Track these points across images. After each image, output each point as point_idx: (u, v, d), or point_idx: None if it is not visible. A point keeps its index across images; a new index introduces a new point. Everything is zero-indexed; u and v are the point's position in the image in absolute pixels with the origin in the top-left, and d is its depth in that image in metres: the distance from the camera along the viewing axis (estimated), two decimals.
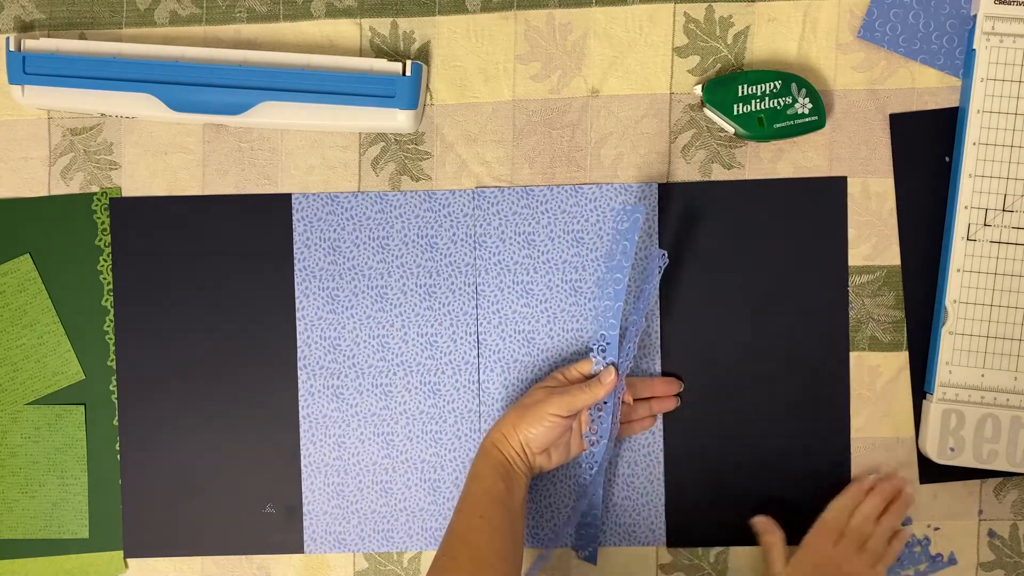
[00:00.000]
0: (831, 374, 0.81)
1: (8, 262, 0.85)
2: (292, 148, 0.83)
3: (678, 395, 0.81)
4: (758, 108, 0.79)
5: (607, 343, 0.77)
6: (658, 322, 0.82)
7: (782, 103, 0.79)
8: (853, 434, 0.82)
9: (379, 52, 0.83)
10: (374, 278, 0.83)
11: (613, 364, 0.77)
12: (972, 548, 0.82)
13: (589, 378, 0.77)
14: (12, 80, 0.80)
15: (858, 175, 0.81)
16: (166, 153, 0.84)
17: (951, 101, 0.81)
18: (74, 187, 0.84)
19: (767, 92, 0.79)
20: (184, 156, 0.84)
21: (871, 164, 0.81)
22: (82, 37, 0.84)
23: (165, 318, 0.84)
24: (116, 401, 0.84)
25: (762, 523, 0.80)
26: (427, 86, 0.83)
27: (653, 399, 0.80)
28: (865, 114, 0.81)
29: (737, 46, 0.81)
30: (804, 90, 0.79)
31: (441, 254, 0.83)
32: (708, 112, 0.80)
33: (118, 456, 0.84)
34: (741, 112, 0.79)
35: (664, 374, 0.82)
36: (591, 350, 0.78)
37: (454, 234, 0.83)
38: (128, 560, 0.85)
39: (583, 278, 0.82)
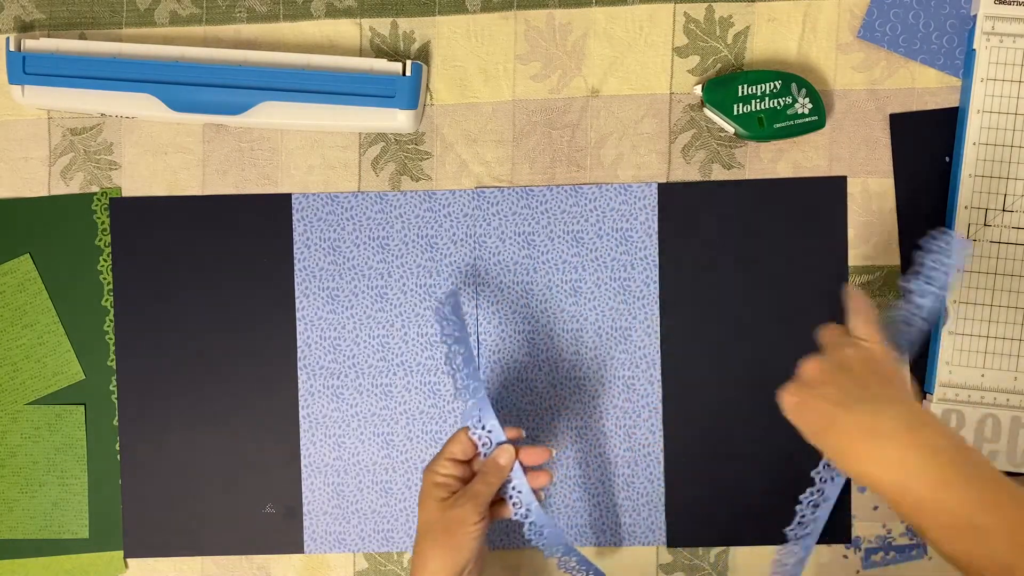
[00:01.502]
0: None
1: (8, 262, 0.85)
2: (292, 148, 0.83)
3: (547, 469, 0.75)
4: (758, 108, 0.79)
5: (479, 409, 0.71)
6: (657, 322, 0.82)
7: (782, 103, 0.79)
8: None
9: (379, 52, 0.83)
10: (374, 278, 0.83)
11: (502, 443, 0.70)
12: None
13: (466, 461, 0.71)
14: (12, 80, 0.80)
15: (858, 175, 0.81)
16: (166, 153, 0.84)
17: (951, 101, 0.81)
18: (74, 187, 0.84)
19: (767, 92, 0.79)
20: (184, 156, 0.84)
21: (871, 164, 0.81)
22: (82, 37, 0.84)
23: (165, 318, 0.84)
24: (116, 401, 0.84)
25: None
26: (427, 86, 0.83)
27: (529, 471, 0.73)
28: (865, 114, 0.81)
29: (737, 46, 0.81)
30: (804, 90, 0.79)
31: (441, 254, 0.83)
32: (708, 112, 0.80)
33: (118, 456, 0.84)
34: (741, 112, 0.79)
35: (663, 374, 0.82)
36: (469, 427, 0.71)
37: (454, 234, 0.83)
38: (128, 560, 0.85)
39: (583, 278, 0.82)
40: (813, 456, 0.82)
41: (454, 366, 0.72)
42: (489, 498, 0.69)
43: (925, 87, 0.81)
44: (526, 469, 0.72)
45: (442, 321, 0.74)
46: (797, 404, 0.65)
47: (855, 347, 0.65)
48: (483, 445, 0.71)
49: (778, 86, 0.79)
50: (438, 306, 0.75)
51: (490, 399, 0.72)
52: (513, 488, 0.71)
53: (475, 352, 0.75)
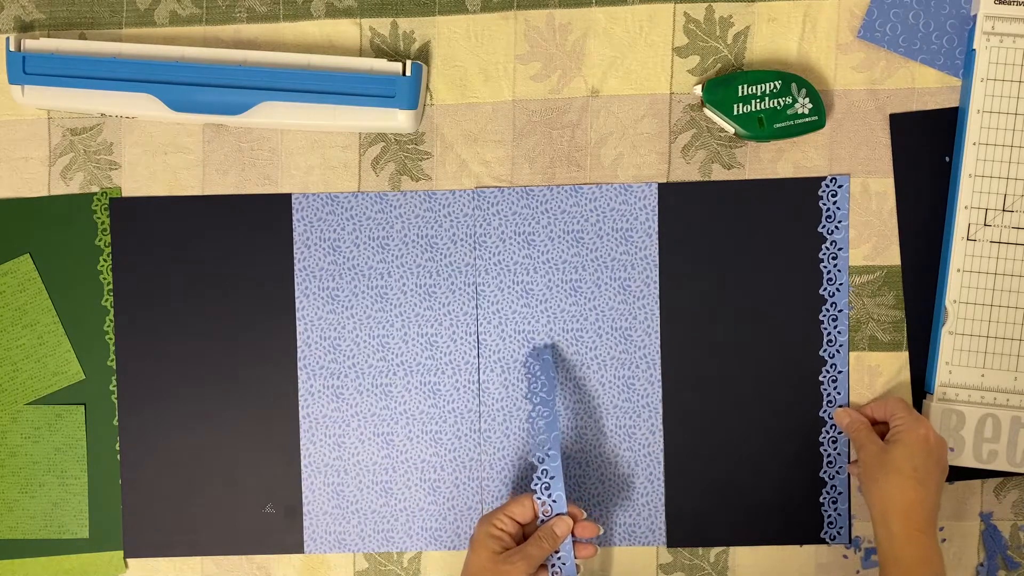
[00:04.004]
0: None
1: (8, 262, 0.85)
2: (292, 148, 0.83)
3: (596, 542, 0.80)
4: (758, 108, 0.79)
5: (551, 477, 0.75)
6: (658, 322, 0.82)
7: (782, 103, 0.79)
8: None
9: (379, 52, 0.83)
10: (374, 278, 0.83)
11: (562, 513, 0.75)
12: (972, 548, 0.82)
13: (525, 525, 0.75)
14: (12, 80, 0.80)
15: (858, 175, 0.81)
16: (166, 153, 0.84)
17: (951, 101, 0.81)
18: (74, 187, 0.84)
19: (767, 92, 0.79)
20: (184, 156, 0.84)
21: (871, 164, 0.81)
22: (82, 37, 0.84)
23: (165, 318, 0.84)
24: (116, 401, 0.84)
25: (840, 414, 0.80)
26: (427, 86, 0.83)
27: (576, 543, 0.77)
28: (865, 114, 0.81)
29: (737, 46, 0.81)
30: (804, 90, 0.79)
31: (441, 254, 0.83)
32: (708, 112, 0.80)
33: (118, 456, 0.84)
34: (741, 112, 0.79)
35: (663, 374, 0.82)
36: (534, 490, 0.75)
37: (454, 234, 0.83)
38: (128, 560, 0.85)
39: (583, 278, 0.82)
40: (813, 456, 0.83)
41: (535, 427, 0.77)
42: (539, 561, 0.74)
43: (925, 87, 0.81)
44: (575, 541, 0.76)
45: (531, 379, 0.78)
46: (934, 449, 0.74)
47: (943, 444, 0.75)
48: (544, 512, 0.75)
49: (778, 86, 0.79)
50: (529, 361, 0.79)
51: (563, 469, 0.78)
52: (558, 558, 0.75)
53: (559, 417, 0.79)
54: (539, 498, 0.75)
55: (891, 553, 0.72)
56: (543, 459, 0.75)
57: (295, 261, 0.83)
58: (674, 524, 0.82)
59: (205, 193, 0.84)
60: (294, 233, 0.83)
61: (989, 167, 0.78)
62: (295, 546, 0.84)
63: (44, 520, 0.85)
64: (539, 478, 0.75)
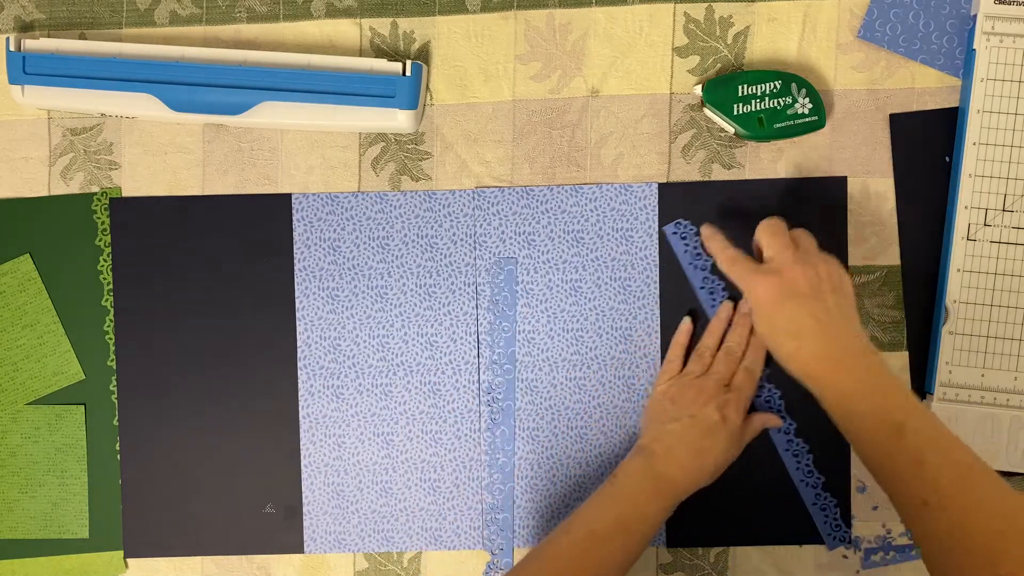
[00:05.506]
0: None
1: (8, 262, 0.85)
2: (292, 148, 0.83)
3: None
4: (758, 108, 0.79)
5: (503, 390, 0.81)
6: (658, 322, 0.82)
7: (782, 103, 0.79)
8: None
9: (379, 52, 0.83)
10: (374, 278, 0.83)
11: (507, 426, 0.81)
12: None
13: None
14: (12, 80, 0.80)
15: (858, 175, 0.81)
16: (166, 153, 0.84)
17: (951, 101, 0.81)
18: (74, 187, 0.84)
19: (767, 92, 0.79)
20: (184, 156, 0.84)
21: (871, 164, 0.81)
22: (82, 37, 0.84)
23: (165, 318, 0.84)
24: (116, 401, 0.84)
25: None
26: (427, 86, 0.83)
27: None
28: (865, 114, 0.81)
29: (737, 46, 0.81)
30: (804, 90, 0.79)
31: (441, 254, 0.83)
32: (708, 112, 0.80)
33: (118, 456, 0.84)
34: (741, 112, 0.79)
35: None
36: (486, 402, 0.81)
37: (454, 234, 0.83)
38: (128, 560, 0.85)
39: (583, 278, 0.82)
40: (814, 456, 0.83)
41: (495, 339, 0.82)
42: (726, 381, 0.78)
43: (925, 87, 0.81)
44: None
45: (494, 289, 0.81)
46: (777, 303, 0.70)
47: (829, 264, 0.72)
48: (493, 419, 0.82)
49: (778, 86, 0.79)
50: (494, 270, 0.81)
51: None
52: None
53: (514, 336, 0.82)
54: (490, 405, 0.81)
55: (838, 408, 0.69)
56: (499, 372, 0.80)
57: (295, 261, 0.83)
58: (674, 524, 0.82)
59: (205, 193, 0.84)
60: (294, 233, 0.83)
61: (989, 167, 0.78)
62: (295, 546, 0.84)
63: (44, 520, 0.85)
64: (492, 387, 0.80)
